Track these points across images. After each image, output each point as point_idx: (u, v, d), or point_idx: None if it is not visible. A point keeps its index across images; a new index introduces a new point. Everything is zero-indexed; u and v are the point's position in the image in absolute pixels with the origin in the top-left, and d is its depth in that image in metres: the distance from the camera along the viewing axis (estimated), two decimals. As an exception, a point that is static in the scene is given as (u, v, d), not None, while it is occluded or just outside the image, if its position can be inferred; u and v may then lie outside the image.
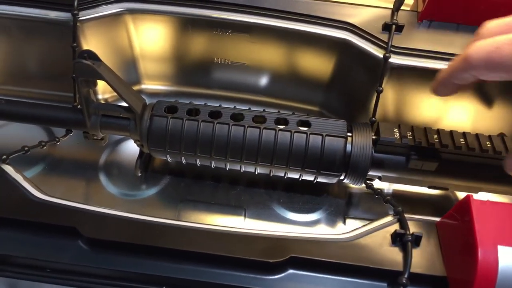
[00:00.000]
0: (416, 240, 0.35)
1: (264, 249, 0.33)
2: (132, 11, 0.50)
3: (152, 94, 0.60)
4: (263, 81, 0.57)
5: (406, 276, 0.32)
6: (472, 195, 0.32)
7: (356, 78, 0.53)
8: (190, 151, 0.47)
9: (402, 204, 0.53)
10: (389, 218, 0.37)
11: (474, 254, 0.29)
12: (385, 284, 0.33)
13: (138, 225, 0.35)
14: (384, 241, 0.35)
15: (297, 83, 0.57)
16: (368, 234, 0.35)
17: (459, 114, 0.54)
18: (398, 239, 0.35)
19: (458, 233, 0.32)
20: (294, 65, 0.54)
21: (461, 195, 0.55)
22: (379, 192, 0.45)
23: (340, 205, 0.54)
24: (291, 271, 0.34)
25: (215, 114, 0.47)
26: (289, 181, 0.51)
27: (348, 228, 0.49)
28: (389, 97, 0.53)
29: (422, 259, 0.34)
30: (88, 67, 0.43)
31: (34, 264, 0.35)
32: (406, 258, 0.33)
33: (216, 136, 0.46)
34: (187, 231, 0.35)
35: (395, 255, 0.34)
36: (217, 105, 0.50)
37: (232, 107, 0.49)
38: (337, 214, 0.53)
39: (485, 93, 0.50)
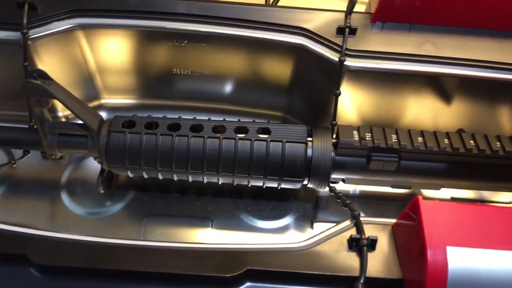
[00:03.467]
0: (372, 244, 0.35)
1: (221, 264, 0.33)
2: (84, 27, 0.49)
3: (114, 108, 0.59)
4: (225, 89, 0.57)
5: (361, 281, 0.32)
6: (420, 196, 0.32)
7: (315, 82, 0.53)
8: (151, 165, 0.47)
9: (374, 206, 0.54)
10: (346, 223, 0.37)
11: (424, 255, 0.29)
12: (343, 291, 0.33)
13: (91, 248, 0.34)
14: (341, 247, 0.35)
15: (258, 90, 0.57)
16: (325, 241, 0.35)
17: (420, 112, 0.54)
18: (354, 244, 0.35)
19: (410, 234, 0.33)
20: (254, 72, 0.54)
21: (427, 192, 0.56)
22: (340, 195, 0.45)
23: (307, 210, 0.54)
24: (248, 284, 0.33)
25: (174, 127, 0.47)
26: (256, 189, 0.50)
27: (315, 232, 0.49)
28: (351, 99, 0.54)
29: (378, 262, 0.34)
30: (38, 87, 0.42)
31: (-13, 294, 0.34)
32: (362, 263, 0.33)
33: (175, 149, 0.46)
34: (142, 251, 0.34)
35: (352, 260, 0.34)
36: (181, 116, 0.49)
37: (192, 118, 0.49)
38: (305, 218, 0.53)
39: (444, 90, 0.51)
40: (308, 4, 0.53)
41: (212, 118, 0.50)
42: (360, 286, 0.31)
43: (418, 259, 0.30)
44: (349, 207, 0.40)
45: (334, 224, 0.38)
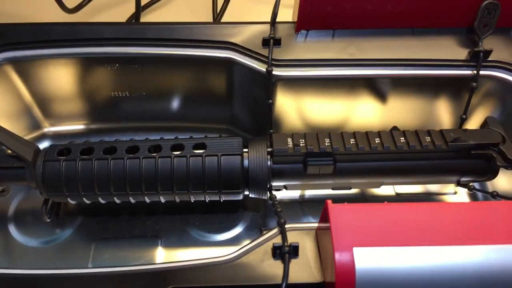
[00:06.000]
0: (294, 250, 0.35)
1: (146, 285, 0.33)
2: (12, 60, 0.49)
3: (59, 136, 0.59)
4: (167, 107, 0.58)
5: (283, 288, 0.32)
6: (330, 200, 0.33)
7: (252, 93, 0.54)
8: (89, 191, 0.47)
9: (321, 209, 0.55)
10: (274, 231, 0.38)
11: (333, 257, 0.30)
12: (268, 299, 0.34)
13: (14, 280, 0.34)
14: (266, 256, 0.35)
15: (199, 105, 0.57)
16: (251, 251, 0.36)
17: (358, 114, 0.55)
18: (277, 251, 0.35)
19: (325, 237, 0.33)
20: (191, 89, 0.55)
21: (375, 191, 0.57)
22: (274, 203, 0.45)
23: (256, 219, 0.54)
24: (173, 302, 0.34)
25: (110, 150, 0.47)
26: (205, 203, 0.51)
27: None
28: (289, 107, 0.55)
29: (301, 268, 0.35)
30: (-36, 124, 0.43)
31: None
32: (284, 270, 0.34)
33: (112, 172, 0.46)
34: (62, 279, 0.34)
35: (276, 268, 0.35)
36: (129, 138, 0.49)
37: (130, 139, 0.50)
38: (254, 227, 0.54)
39: (373, 91, 0.52)
40: (256, 16, 0.54)
41: (159, 137, 0.50)
42: (280, 294, 0.32)
43: (331, 261, 0.31)
44: (278, 214, 0.41)
45: (265, 232, 0.39)
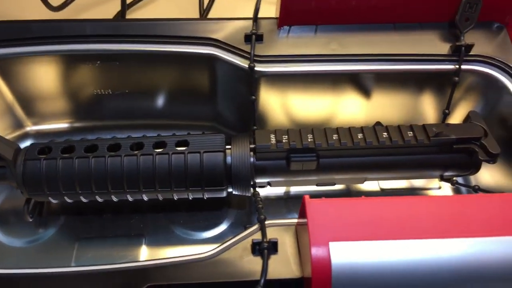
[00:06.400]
0: (273, 246, 0.35)
1: (122, 284, 0.33)
2: (-10, 59, 0.49)
3: (42, 134, 0.58)
4: (150, 105, 0.57)
5: (261, 284, 0.32)
6: (307, 196, 0.32)
7: (236, 89, 0.53)
8: (70, 189, 0.46)
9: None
10: (254, 228, 0.38)
11: (309, 252, 0.30)
12: (247, 296, 0.34)
13: None
14: (245, 252, 0.35)
15: (183, 102, 0.57)
16: (231, 247, 0.36)
17: (343, 109, 0.55)
18: (257, 247, 0.35)
19: (303, 233, 0.33)
20: (174, 85, 0.55)
21: (362, 186, 0.57)
22: (256, 200, 0.45)
23: (240, 216, 0.54)
24: (152, 300, 0.34)
25: (91, 148, 0.47)
26: (190, 201, 0.50)
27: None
28: (274, 103, 0.54)
29: (280, 263, 0.35)
30: None
31: None
32: (262, 266, 0.34)
33: (93, 171, 0.46)
34: (45, 279, 0.34)
35: (255, 264, 0.35)
36: (112, 136, 0.49)
37: (112, 137, 0.49)
38: (238, 225, 0.53)
39: (357, 86, 0.52)
40: (243, 13, 0.53)
41: (144, 134, 0.50)
42: (259, 290, 0.32)
43: (308, 256, 0.31)
44: (258, 211, 0.41)
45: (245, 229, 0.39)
